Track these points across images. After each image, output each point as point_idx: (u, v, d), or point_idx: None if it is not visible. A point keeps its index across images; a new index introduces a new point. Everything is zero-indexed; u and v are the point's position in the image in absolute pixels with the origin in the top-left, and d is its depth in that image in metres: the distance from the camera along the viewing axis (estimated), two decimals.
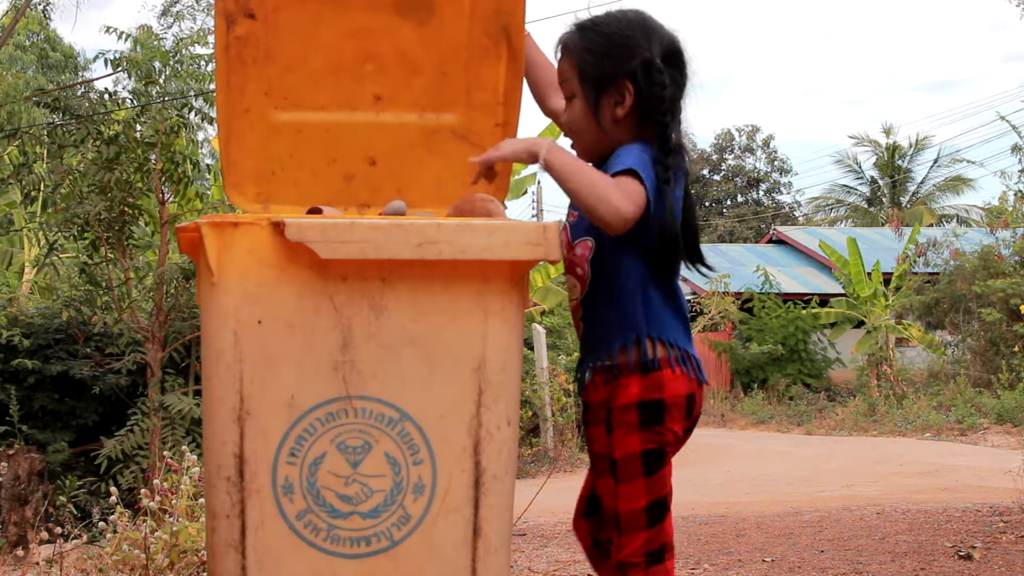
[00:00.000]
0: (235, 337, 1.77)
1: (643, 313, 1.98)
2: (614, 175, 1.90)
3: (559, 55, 2.08)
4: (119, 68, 6.83)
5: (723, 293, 18.69)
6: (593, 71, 2.01)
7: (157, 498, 4.26)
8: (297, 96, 2.15)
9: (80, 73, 22.76)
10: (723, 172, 38.72)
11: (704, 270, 2.12)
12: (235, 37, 2.10)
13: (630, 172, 1.89)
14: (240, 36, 2.10)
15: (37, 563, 4.69)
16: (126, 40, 6.88)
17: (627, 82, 1.99)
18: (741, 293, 19.83)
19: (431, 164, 2.22)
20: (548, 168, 1.88)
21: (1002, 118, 15.88)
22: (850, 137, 40.48)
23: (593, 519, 2.15)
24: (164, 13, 7.60)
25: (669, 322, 2.01)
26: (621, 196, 1.85)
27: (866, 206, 34.81)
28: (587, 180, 1.85)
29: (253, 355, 1.77)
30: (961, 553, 4.76)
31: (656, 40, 2.01)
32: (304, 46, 2.13)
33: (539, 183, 17.87)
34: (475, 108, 2.21)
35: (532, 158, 1.90)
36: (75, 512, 5.48)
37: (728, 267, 21.91)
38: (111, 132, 6.53)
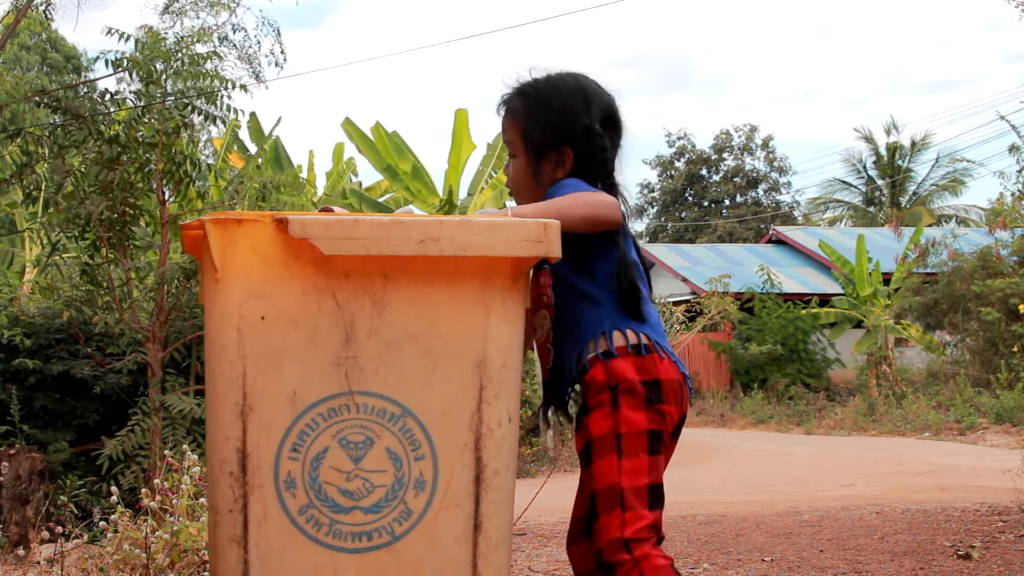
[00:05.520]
0: (238, 333, 1.78)
1: (615, 312, 2.03)
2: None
3: (503, 113, 2.18)
4: (120, 68, 6.83)
5: (723, 293, 18.71)
6: (537, 138, 2.12)
7: (158, 498, 4.27)
8: None
9: (83, 74, 22.77)
10: (722, 172, 38.74)
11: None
12: None
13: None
14: None
15: (38, 562, 4.71)
16: (127, 41, 6.88)
17: (568, 149, 2.10)
18: (742, 293, 19.85)
19: None
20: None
21: (1002, 118, 15.91)
22: (855, 130, 40.57)
23: (590, 542, 2.03)
24: (165, 11, 7.59)
25: (643, 324, 2.04)
26: (591, 194, 1.95)
27: (865, 206, 34.82)
28: (560, 205, 1.91)
29: (256, 351, 1.78)
30: (960, 552, 4.77)
31: (595, 107, 2.12)
32: None
33: None
34: None
35: None
36: (76, 512, 5.48)
37: (728, 267, 21.94)
38: (112, 132, 6.53)
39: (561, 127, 2.10)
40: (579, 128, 2.09)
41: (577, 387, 2.07)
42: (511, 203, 2.19)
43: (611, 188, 2.10)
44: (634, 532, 1.93)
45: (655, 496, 1.98)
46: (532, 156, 2.13)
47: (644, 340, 2.02)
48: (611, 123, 2.14)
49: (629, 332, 2.02)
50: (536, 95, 2.14)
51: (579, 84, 2.15)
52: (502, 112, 2.19)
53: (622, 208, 2.08)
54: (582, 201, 1.92)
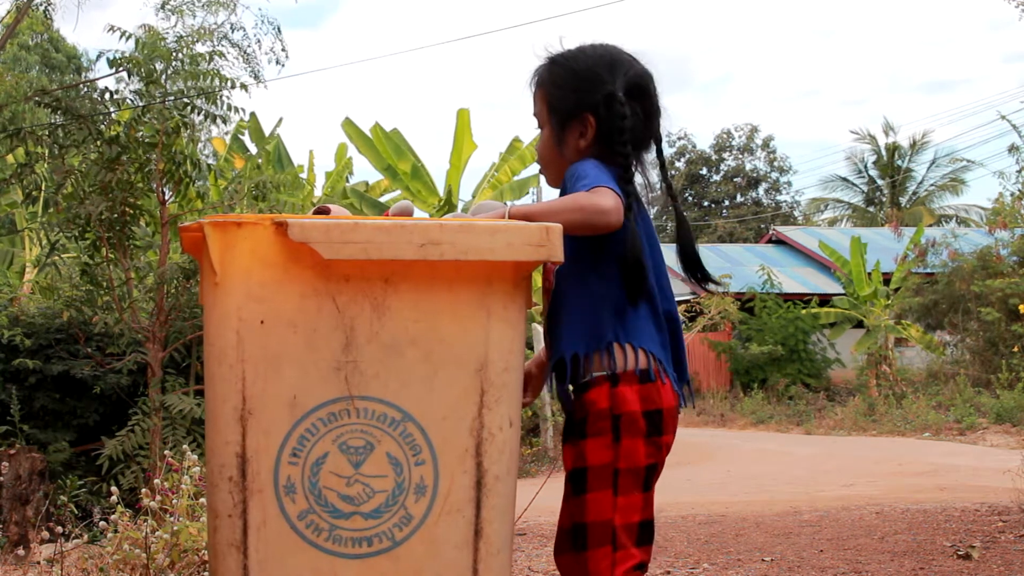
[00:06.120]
0: (238, 337, 1.77)
1: (616, 320, 1.98)
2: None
3: (532, 85, 2.16)
4: (120, 68, 6.82)
5: (723, 293, 18.69)
6: (559, 104, 2.09)
7: (158, 498, 4.27)
8: None
9: (84, 74, 22.74)
10: (723, 172, 38.74)
11: (712, 286, 2.17)
12: None
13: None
14: None
15: (38, 562, 4.70)
16: (128, 39, 6.87)
17: (589, 115, 2.05)
18: (742, 293, 19.84)
19: None
20: (513, 218, 1.89)
21: (1003, 117, 15.92)
22: (851, 132, 40.62)
23: (576, 555, 1.99)
24: (161, 8, 7.56)
25: (646, 332, 2.00)
26: (591, 196, 1.89)
27: (865, 206, 34.82)
28: (556, 206, 1.89)
29: (256, 355, 1.77)
30: (960, 552, 4.77)
31: (620, 74, 2.06)
32: None
33: (540, 186, 17.88)
34: None
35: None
36: (76, 512, 5.47)
37: (728, 267, 21.95)
38: (112, 132, 6.53)
39: (583, 92, 2.05)
40: (601, 94, 2.03)
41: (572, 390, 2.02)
42: (511, 202, 2.16)
43: (627, 168, 2.02)
44: (624, 572, 1.93)
45: (645, 533, 1.98)
46: (556, 125, 2.09)
47: (643, 363, 1.97)
48: (638, 93, 2.06)
49: (628, 349, 1.96)
50: (563, 62, 2.11)
51: (608, 51, 2.10)
52: (532, 85, 2.15)
53: (639, 193, 2.04)
54: (577, 207, 1.87)
